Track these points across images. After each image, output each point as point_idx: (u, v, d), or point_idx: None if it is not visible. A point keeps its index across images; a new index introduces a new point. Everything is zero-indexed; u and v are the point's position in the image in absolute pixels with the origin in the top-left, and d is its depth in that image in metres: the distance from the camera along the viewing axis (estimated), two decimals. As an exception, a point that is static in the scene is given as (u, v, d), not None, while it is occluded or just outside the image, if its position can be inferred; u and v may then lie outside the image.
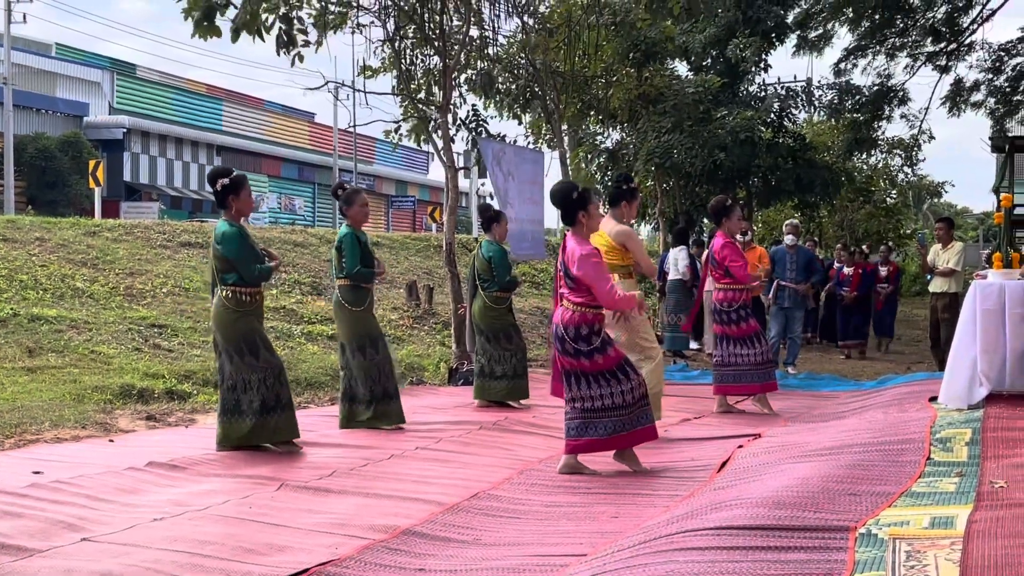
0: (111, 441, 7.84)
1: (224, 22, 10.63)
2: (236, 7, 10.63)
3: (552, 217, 32.77)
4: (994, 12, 22.17)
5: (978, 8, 22.09)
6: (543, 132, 17.48)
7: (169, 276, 15.15)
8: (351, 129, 33.24)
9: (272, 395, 7.26)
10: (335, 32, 12.29)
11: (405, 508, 5.64)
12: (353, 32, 12.69)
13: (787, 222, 15.09)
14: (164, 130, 45.71)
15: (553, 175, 15.74)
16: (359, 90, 13.97)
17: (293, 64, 11.48)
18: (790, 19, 21.02)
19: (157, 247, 16.87)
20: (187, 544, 4.86)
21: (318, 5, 11.90)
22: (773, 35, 20.26)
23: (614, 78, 16.95)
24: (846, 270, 16.69)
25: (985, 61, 22.70)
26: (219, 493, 5.98)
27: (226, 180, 7.23)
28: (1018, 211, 31.36)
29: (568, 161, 16.19)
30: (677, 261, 14.63)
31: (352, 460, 7.00)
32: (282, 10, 11.02)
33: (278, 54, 11.29)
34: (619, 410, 6.52)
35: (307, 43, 11.51)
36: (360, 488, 6.16)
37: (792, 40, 21.64)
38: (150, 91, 47.12)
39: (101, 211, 28.68)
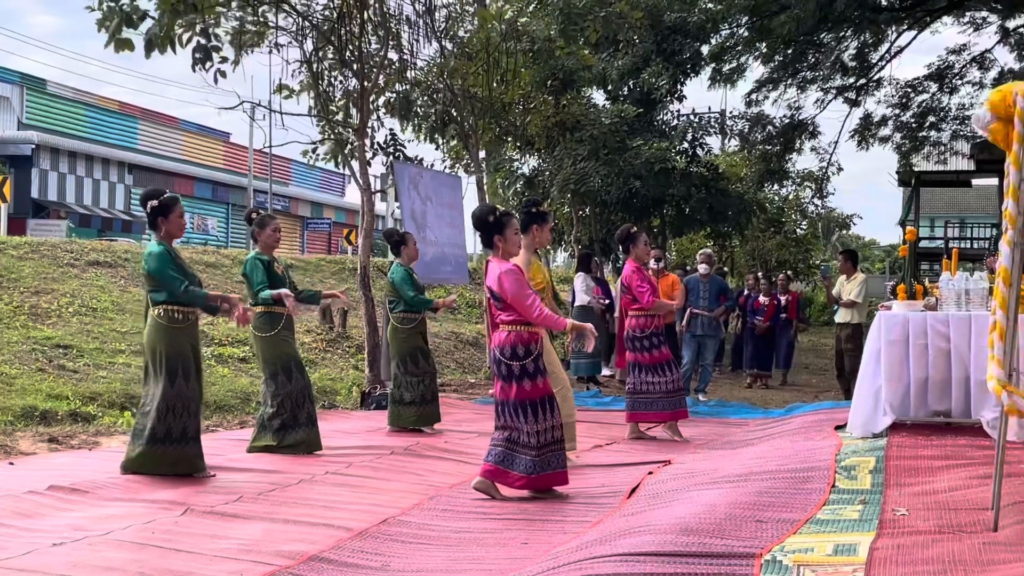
0: (11, 464, 7.65)
1: (136, 35, 10.49)
2: (154, 19, 10.49)
3: (472, 242, 32.68)
4: (902, 50, 22.84)
5: (887, 45, 22.73)
6: (461, 157, 17.50)
7: (76, 295, 14.83)
8: (267, 150, 32.92)
9: (179, 425, 7.14)
10: (251, 51, 12.17)
11: (313, 534, 5.57)
12: (270, 52, 12.59)
13: (701, 251, 15.27)
14: (74, 147, 44.79)
15: (470, 200, 15.76)
16: (275, 111, 13.88)
17: (216, 82, 11.30)
18: (705, 51, 21.33)
19: (64, 266, 16.52)
20: (87, 570, 4.75)
21: (234, 23, 11.79)
22: (688, 66, 20.55)
23: (532, 105, 17.04)
24: (762, 299, 16.66)
25: (893, 97, 23.37)
26: (122, 518, 5.85)
27: (155, 202, 7.29)
28: (923, 244, 32.07)
29: (485, 186, 16.20)
30: (578, 288, 14.71)
31: (260, 485, 6.90)
32: (199, 26, 10.88)
33: (194, 70, 11.16)
34: (530, 450, 6.56)
35: (224, 59, 11.37)
36: (267, 513, 6.07)
37: (707, 72, 21.98)
38: (61, 107, 46.18)
39: (7, 228, 28.04)
